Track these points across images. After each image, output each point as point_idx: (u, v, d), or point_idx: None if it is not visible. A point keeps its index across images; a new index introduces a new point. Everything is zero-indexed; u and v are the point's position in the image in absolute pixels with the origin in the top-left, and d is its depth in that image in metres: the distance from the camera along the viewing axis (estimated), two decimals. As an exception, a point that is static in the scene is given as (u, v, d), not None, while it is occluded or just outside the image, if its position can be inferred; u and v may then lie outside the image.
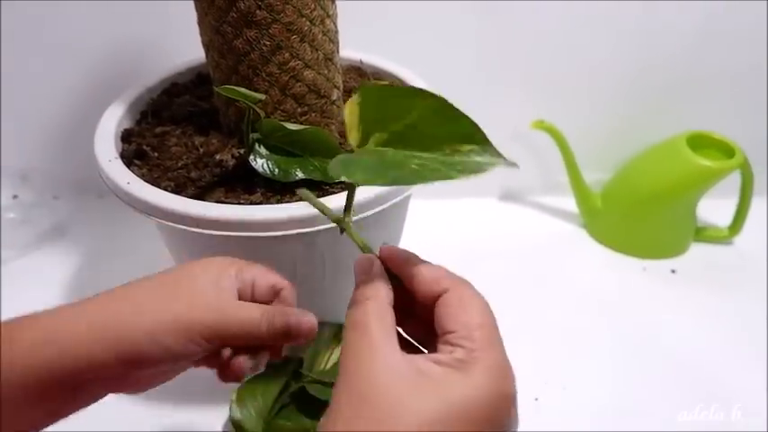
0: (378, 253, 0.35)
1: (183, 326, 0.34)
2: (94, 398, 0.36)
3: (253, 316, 0.36)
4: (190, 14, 0.52)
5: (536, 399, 0.64)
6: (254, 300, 0.39)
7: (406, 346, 0.34)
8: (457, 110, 0.33)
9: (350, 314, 0.32)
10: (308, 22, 0.49)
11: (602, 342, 0.71)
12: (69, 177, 0.86)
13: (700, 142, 0.77)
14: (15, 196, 0.87)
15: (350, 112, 0.33)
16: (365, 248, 0.35)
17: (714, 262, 0.83)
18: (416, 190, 0.51)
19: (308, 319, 0.37)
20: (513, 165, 0.32)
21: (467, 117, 0.32)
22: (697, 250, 0.84)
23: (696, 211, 0.82)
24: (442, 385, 0.29)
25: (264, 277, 0.40)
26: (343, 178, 0.31)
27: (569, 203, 0.87)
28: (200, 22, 0.51)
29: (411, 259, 0.34)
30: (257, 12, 0.47)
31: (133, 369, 0.34)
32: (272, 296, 0.40)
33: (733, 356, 0.69)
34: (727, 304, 0.76)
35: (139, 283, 0.36)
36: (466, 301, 0.32)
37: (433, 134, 0.32)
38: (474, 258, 0.81)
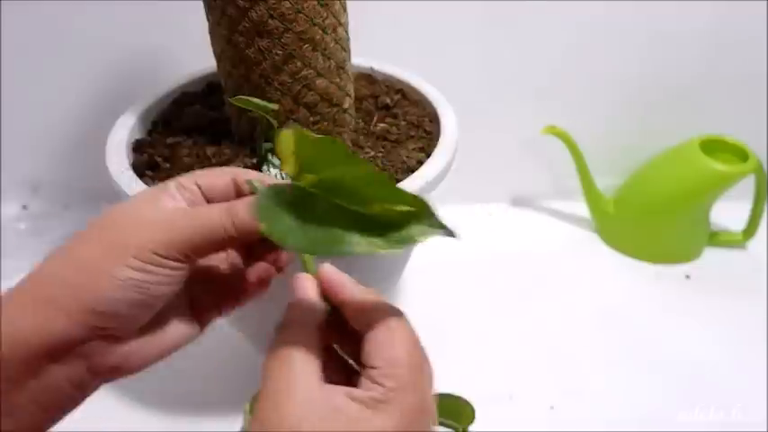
0: (317, 272, 0.34)
1: (134, 252, 0.30)
2: (82, 385, 0.32)
3: (210, 216, 0.31)
4: (200, 24, 0.52)
5: (551, 407, 0.64)
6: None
7: (340, 367, 0.34)
8: (393, 183, 0.31)
9: (275, 339, 0.31)
10: (320, 31, 0.49)
11: (616, 348, 0.70)
12: (79, 187, 0.86)
13: (713, 146, 0.77)
14: (26, 207, 0.87)
15: (284, 141, 0.30)
16: (308, 266, 0.34)
17: (728, 267, 0.82)
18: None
19: None
20: (452, 234, 0.31)
21: (404, 191, 0.31)
22: (711, 255, 0.83)
23: (710, 215, 0.82)
24: (352, 423, 0.28)
25: (218, 177, 0.34)
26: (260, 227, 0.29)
27: (581, 209, 0.87)
28: (212, 32, 0.51)
29: (347, 286, 0.33)
30: (269, 21, 0.46)
31: (109, 327, 0.31)
32: (236, 193, 0.34)
33: (749, 362, 0.68)
34: (742, 309, 0.75)
35: (80, 237, 0.32)
36: (395, 336, 0.31)
37: (365, 194, 0.31)
38: (486, 264, 0.81)
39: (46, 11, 0.73)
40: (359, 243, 0.30)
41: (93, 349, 0.31)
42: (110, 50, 0.75)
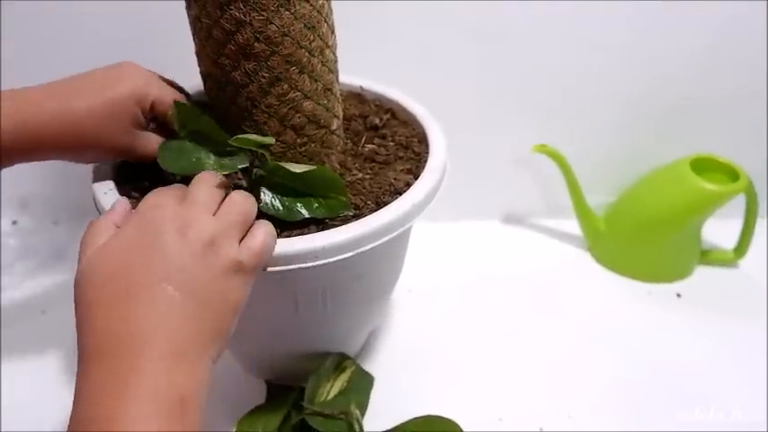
0: None
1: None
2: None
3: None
4: (190, 43, 0.52)
5: (541, 429, 0.63)
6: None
7: None
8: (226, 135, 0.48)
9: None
10: (306, 54, 0.48)
11: (607, 367, 0.70)
12: (68, 203, 0.86)
13: (703, 165, 0.77)
14: (15, 222, 0.87)
15: (173, 114, 0.49)
16: None
17: (720, 285, 0.82)
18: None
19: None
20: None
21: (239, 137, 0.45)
22: (703, 273, 0.83)
23: (701, 233, 0.82)
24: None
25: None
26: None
27: (573, 226, 0.87)
28: (199, 54, 0.51)
29: None
30: (255, 44, 0.46)
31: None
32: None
33: (741, 382, 0.68)
34: (734, 328, 0.75)
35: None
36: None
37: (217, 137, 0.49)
38: (476, 282, 0.81)
39: (33, 29, 0.73)
40: (211, 163, 0.48)
41: None
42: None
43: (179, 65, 0.59)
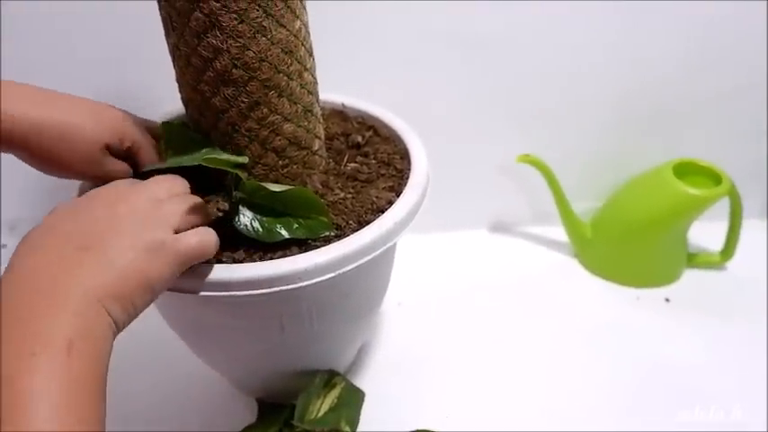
0: None
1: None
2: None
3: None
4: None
5: (531, 437, 0.64)
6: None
7: None
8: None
9: None
10: (285, 78, 0.49)
11: (599, 374, 0.70)
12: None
13: (686, 170, 0.78)
14: (5, 245, 0.87)
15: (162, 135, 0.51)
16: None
17: (708, 288, 0.82)
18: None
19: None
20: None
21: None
22: (691, 277, 0.84)
23: (687, 236, 0.82)
24: None
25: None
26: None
27: (560, 234, 0.87)
28: (179, 81, 0.51)
29: None
30: (233, 71, 0.47)
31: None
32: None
33: (731, 384, 0.69)
34: (725, 330, 0.76)
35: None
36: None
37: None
38: (465, 290, 0.82)
39: (22, 50, 0.73)
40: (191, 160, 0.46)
41: None
42: (87, 92, 0.75)
43: (164, 88, 0.60)
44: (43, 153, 0.45)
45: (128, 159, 0.51)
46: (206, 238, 0.43)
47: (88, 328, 0.34)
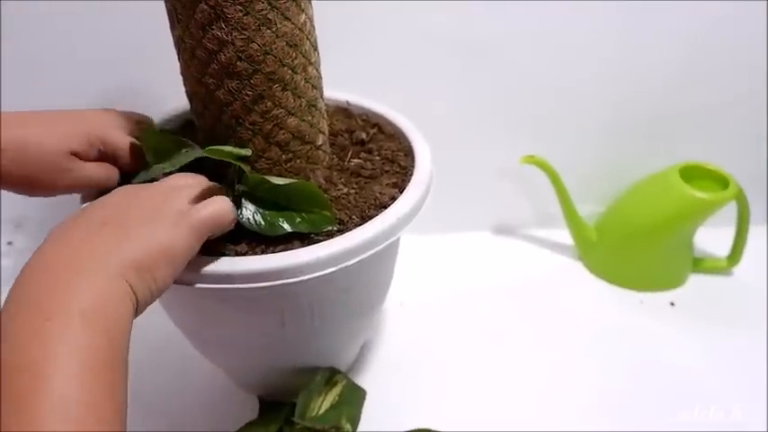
0: None
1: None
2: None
3: None
4: (176, 62, 0.52)
5: (534, 440, 0.63)
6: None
7: None
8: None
9: None
10: (289, 71, 0.49)
11: (600, 377, 0.70)
12: (63, 223, 0.86)
13: (693, 173, 0.77)
14: (10, 243, 0.88)
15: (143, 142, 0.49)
16: None
17: (714, 293, 0.82)
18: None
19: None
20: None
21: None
22: (696, 282, 0.83)
23: (693, 241, 0.82)
24: None
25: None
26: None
27: (564, 236, 0.87)
28: (183, 74, 0.51)
29: None
30: (238, 63, 0.47)
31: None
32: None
33: (735, 390, 0.68)
34: (729, 336, 0.75)
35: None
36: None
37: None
38: (468, 292, 0.81)
39: (21, 50, 0.74)
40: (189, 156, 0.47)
41: None
42: (88, 92, 0.76)
43: (167, 85, 0.60)
44: (10, 173, 0.46)
45: (115, 162, 0.51)
46: (222, 205, 0.44)
47: (106, 297, 0.35)
